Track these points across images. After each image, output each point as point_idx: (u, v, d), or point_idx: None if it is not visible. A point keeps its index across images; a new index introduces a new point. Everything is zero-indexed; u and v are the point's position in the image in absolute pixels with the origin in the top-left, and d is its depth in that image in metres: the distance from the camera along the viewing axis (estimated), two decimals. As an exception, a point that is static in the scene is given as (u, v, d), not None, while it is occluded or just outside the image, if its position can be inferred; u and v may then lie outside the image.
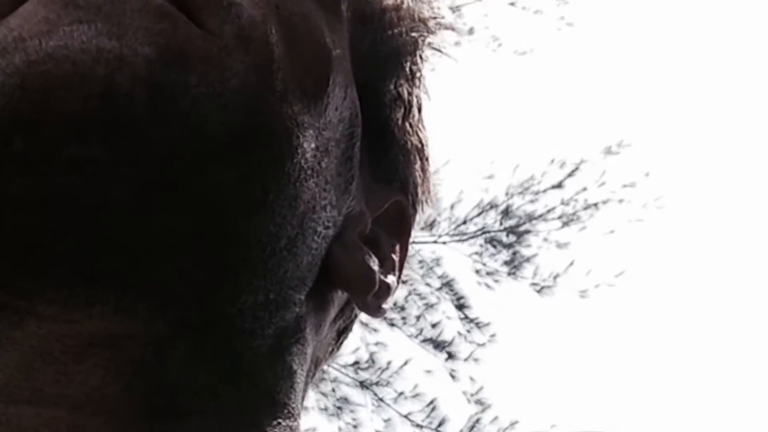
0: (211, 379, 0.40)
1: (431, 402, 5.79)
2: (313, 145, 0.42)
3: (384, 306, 0.49)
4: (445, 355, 5.97)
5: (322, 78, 0.43)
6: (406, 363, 5.86)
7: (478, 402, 5.91)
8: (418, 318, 6.02)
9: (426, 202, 0.55)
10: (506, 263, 6.32)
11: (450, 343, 6.00)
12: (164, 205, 0.38)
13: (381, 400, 5.81)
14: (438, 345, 6.00)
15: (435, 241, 6.16)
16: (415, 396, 5.82)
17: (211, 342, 0.40)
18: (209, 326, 0.40)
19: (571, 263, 6.25)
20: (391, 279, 0.48)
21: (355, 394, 5.85)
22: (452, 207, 6.24)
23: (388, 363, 5.85)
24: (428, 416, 5.78)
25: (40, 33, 0.36)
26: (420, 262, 6.00)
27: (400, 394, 5.82)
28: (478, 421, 5.88)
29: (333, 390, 5.72)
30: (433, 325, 6.02)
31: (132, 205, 0.37)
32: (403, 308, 5.93)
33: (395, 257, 0.50)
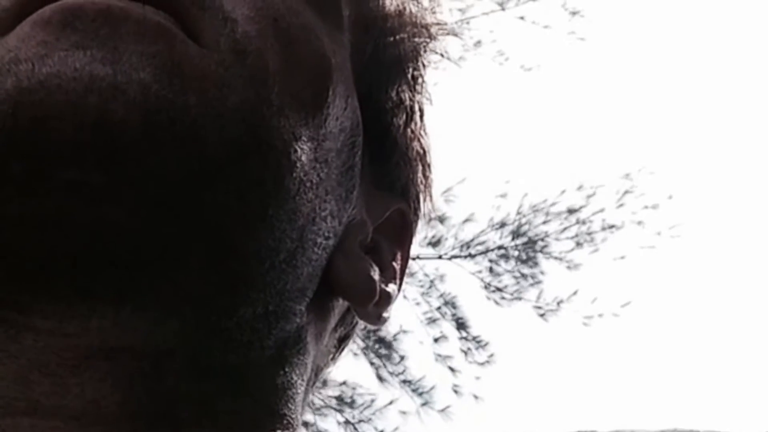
0: (209, 390, 0.40)
1: None
2: (312, 157, 0.42)
3: (384, 315, 0.48)
4: (422, 401, 5.93)
5: (322, 89, 0.43)
6: (391, 403, 5.84)
7: None
8: (402, 358, 6.00)
9: (428, 209, 0.55)
10: (516, 277, 6.28)
11: (429, 390, 5.97)
12: (160, 222, 0.38)
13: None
14: (416, 390, 5.96)
15: (440, 257, 6.15)
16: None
17: (209, 354, 0.40)
18: (207, 339, 0.40)
19: (575, 292, 6.23)
20: (391, 288, 0.48)
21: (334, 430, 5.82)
22: (463, 223, 6.22)
23: (372, 401, 5.83)
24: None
25: (35, 56, 0.36)
26: (423, 277, 5.99)
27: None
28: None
29: (314, 423, 5.70)
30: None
31: (128, 223, 0.37)
32: (390, 345, 5.91)
33: (396, 265, 0.50)
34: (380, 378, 5.83)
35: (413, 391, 5.94)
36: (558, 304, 6.25)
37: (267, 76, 0.40)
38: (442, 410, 5.86)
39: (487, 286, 6.27)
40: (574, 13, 6.44)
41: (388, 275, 0.49)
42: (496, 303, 6.26)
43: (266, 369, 0.42)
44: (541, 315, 6.25)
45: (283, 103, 0.41)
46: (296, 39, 0.43)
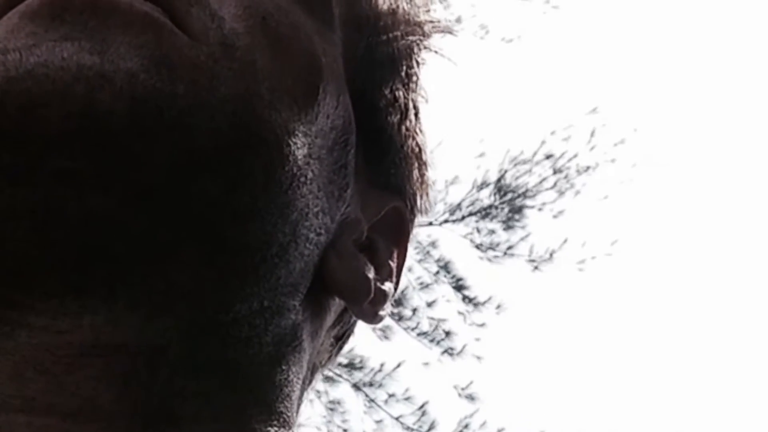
0: (205, 386, 0.39)
1: (422, 405, 5.82)
2: (304, 152, 0.42)
3: (381, 313, 0.48)
4: (441, 349, 5.98)
5: (312, 86, 0.43)
6: (399, 365, 5.87)
7: (469, 397, 5.93)
8: (414, 311, 6.03)
9: (425, 206, 0.54)
10: (504, 226, 6.31)
11: (446, 336, 6.02)
12: (149, 214, 0.37)
13: (373, 401, 5.83)
14: (434, 339, 6.01)
15: (430, 224, 6.16)
16: (407, 399, 5.84)
17: (206, 350, 0.40)
18: (203, 335, 0.39)
19: (565, 240, 6.27)
20: (387, 286, 0.48)
21: (347, 396, 5.87)
22: (447, 187, 6.24)
23: (381, 364, 5.87)
24: (419, 420, 5.81)
25: (23, 47, 0.37)
26: (417, 245, 6.01)
27: (392, 395, 5.84)
28: (467, 426, 5.91)
29: (326, 391, 5.73)
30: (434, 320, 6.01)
31: (116, 214, 0.37)
32: (399, 302, 5.94)
33: (392, 264, 0.50)
34: (385, 337, 5.87)
35: (431, 341, 5.99)
36: (550, 254, 6.29)
37: (256, 71, 0.40)
38: (460, 351, 5.92)
39: (478, 246, 6.30)
40: None
41: (384, 273, 0.48)
42: (490, 261, 6.29)
43: (264, 366, 0.42)
44: (536, 268, 6.29)
45: (274, 98, 0.41)
46: (285, 37, 0.43)
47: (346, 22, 0.49)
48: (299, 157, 0.41)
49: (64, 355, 0.37)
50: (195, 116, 0.38)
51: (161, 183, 0.37)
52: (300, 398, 0.45)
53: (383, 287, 0.48)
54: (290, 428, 0.43)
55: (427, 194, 0.54)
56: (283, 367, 0.43)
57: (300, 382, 0.45)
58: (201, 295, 0.39)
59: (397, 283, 0.50)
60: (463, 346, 5.97)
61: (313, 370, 0.49)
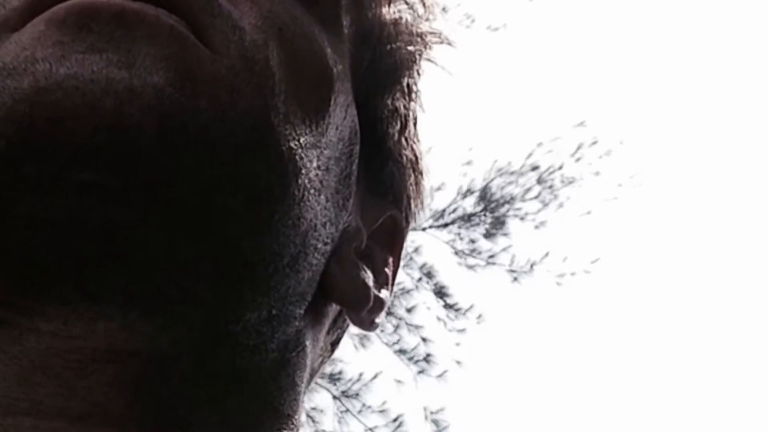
0: (215, 392, 0.40)
1: (396, 418, 5.82)
2: (315, 164, 0.42)
3: (377, 320, 0.49)
4: (417, 369, 5.98)
5: (324, 98, 0.44)
6: (376, 376, 5.87)
7: (434, 422, 5.93)
8: (396, 327, 6.03)
9: (417, 214, 0.55)
10: (486, 235, 6.32)
11: (425, 358, 6.02)
12: (170, 227, 0.38)
13: (347, 410, 5.82)
14: (412, 358, 6.01)
15: (413, 229, 6.15)
16: (382, 411, 5.84)
17: (216, 358, 0.40)
18: (214, 343, 0.40)
19: (546, 254, 6.28)
20: (384, 294, 0.49)
21: (321, 403, 5.86)
22: (432, 193, 6.24)
23: (360, 374, 5.86)
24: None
25: (52, 56, 0.37)
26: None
27: (368, 407, 5.83)
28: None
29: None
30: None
31: (138, 226, 0.37)
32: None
33: (388, 271, 0.50)
34: (362, 345, 5.86)
35: (409, 359, 5.99)
36: (531, 266, 6.30)
37: (274, 84, 0.41)
38: (440, 375, 5.92)
39: (457, 253, 6.31)
40: None
41: (381, 281, 0.49)
42: (469, 268, 6.30)
43: (270, 371, 0.43)
44: (515, 278, 6.30)
45: (289, 111, 0.41)
46: (300, 48, 0.44)
47: (353, 33, 0.50)
48: (311, 169, 0.42)
49: (75, 359, 0.37)
50: (217, 131, 0.38)
51: (184, 198, 0.38)
52: (302, 401, 0.46)
53: (381, 295, 0.48)
54: (297, 430, 0.44)
55: (421, 203, 0.55)
56: (289, 372, 0.44)
57: (303, 385, 0.45)
58: (215, 305, 0.39)
59: (391, 290, 0.50)
60: (443, 372, 5.97)
61: (312, 374, 0.49)
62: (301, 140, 0.41)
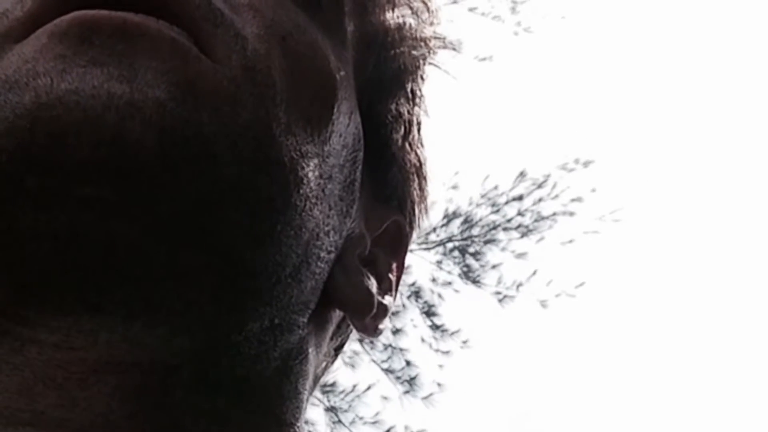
0: (217, 402, 0.40)
1: (388, 430, 5.79)
2: (317, 173, 0.42)
3: (381, 327, 0.49)
4: (405, 387, 5.96)
5: (327, 107, 0.44)
6: (369, 388, 5.85)
7: None
8: (386, 347, 6.02)
9: (421, 220, 0.55)
10: (462, 275, 6.34)
11: (413, 379, 6.00)
12: (172, 240, 0.38)
13: (339, 421, 5.79)
14: (399, 378, 5.99)
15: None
16: (374, 423, 5.81)
17: (218, 368, 0.40)
18: (216, 353, 0.40)
19: (534, 272, 6.29)
20: (388, 300, 0.49)
21: (314, 415, 5.82)
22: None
23: (354, 386, 5.84)
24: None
25: (53, 70, 0.36)
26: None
27: (361, 418, 5.81)
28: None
29: None
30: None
31: (140, 240, 0.37)
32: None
33: (392, 277, 0.50)
34: (351, 365, 5.84)
35: (396, 379, 5.97)
36: (517, 287, 6.30)
37: (275, 94, 0.41)
38: (426, 398, 5.90)
39: (434, 280, 6.31)
40: (515, 5, 6.53)
41: (385, 287, 0.49)
42: (440, 297, 6.30)
43: (272, 380, 0.42)
44: (500, 300, 6.30)
45: (290, 121, 0.41)
46: (303, 57, 0.43)
47: (357, 39, 0.50)
48: (312, 179, 0.42)
49: (77, 371, 0.37)
50: (218, 144, 0.38)
51: (185, 212, 0.38)
52: (305, 409, 0.46)
53: (384, 301, 0.48)
54: None
55: (425, 208, 0.55)
56: (291, 380, 0.43)
57: (306, 392, 0.45)
58: (217, 316, 0.39)
59: (395, 297, 0.50)
60: (429, 394, 5.95)
61: (315, 381, 0.49)
62: (303, 150, 0.41)
